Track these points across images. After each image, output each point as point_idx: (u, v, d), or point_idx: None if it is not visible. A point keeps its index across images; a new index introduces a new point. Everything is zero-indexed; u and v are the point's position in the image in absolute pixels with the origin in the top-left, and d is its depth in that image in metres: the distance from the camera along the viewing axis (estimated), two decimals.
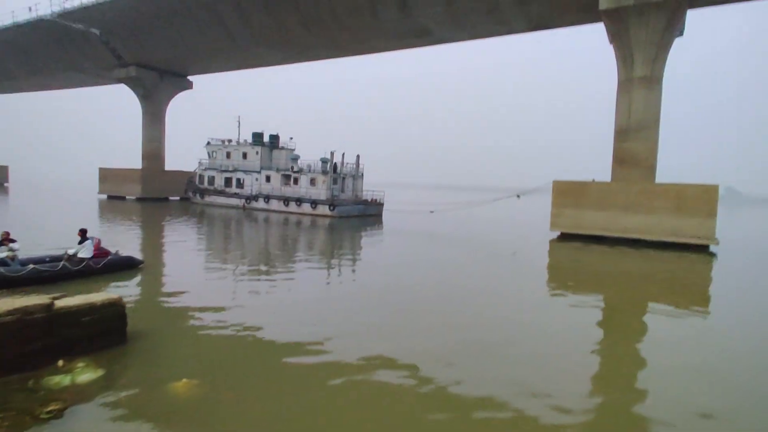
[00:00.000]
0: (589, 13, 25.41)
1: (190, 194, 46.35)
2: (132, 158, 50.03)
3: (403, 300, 11.57)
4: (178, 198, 49.45)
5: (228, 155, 44.41)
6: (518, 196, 33.40)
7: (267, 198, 39.76)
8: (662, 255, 20.66)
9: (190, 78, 50.20)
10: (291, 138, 44.90)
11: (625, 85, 24.73)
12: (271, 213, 37.75)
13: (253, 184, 41.81)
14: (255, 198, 40.64)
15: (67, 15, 39.17)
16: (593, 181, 25.44)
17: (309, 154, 42.48)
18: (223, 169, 44.21)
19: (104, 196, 49.65)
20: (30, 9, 41.38)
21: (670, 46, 24.21)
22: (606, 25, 24.88)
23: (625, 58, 24.54)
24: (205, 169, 45.71)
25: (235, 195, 42.29)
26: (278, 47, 37.57)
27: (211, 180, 44.93)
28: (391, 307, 10.84)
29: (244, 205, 40.84)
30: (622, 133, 24.90)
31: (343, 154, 39.61)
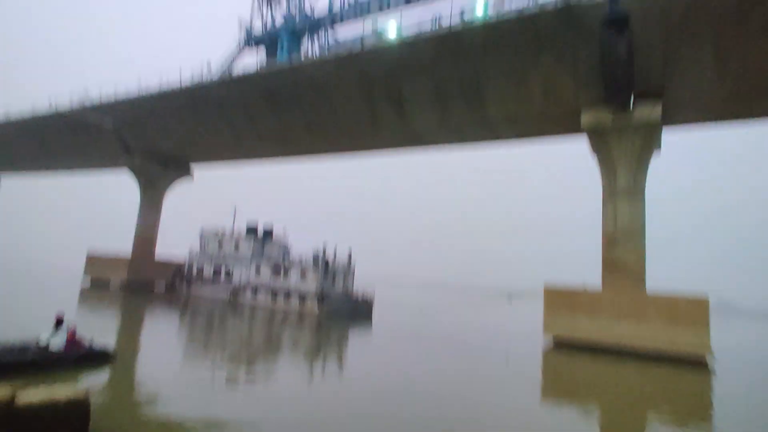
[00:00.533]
0: (574, 126, 27.30)
1: (176, 283, 45.44)
2: (125, 243, 49.76)
3: (390, 413, 10.81)
4: (163, 288, 48.36)
5: (220, 245, 44.44)
6: (509, 298, 33.03)
7: (255, 290, 39.02)
8: (656, 366, 19.95)
9: (192, 168, 51.96)
10: (284, 230, 45.44)
11: (609, 194, 25.84)
12: (257, 307, 36.79)
13: (242, 275, 41.32)
14: (242, 290, 39.87)
15: (84, 110, 41.60)
16: (584, 288, 25.41)
17: (302, 247, 42.69)
18: (213, 259, 43.96)
19: (88, 284, 48.51)
20: (49, 101, 44.03)
21: (649, 161, 25.77)
22: (589, 138, 26.67)
23: (608, 170, 25.95)
24: (195, 259, 45.40)
25: (223, 286, 41.53)
26: (280, 144, 39.60)
27: (200, 270, 44.40)
28: (377, 420, 10.09)
29: (230, 298, 39.92)
30: (610, 241, 25.44)
31: (335, 248, 39.81)
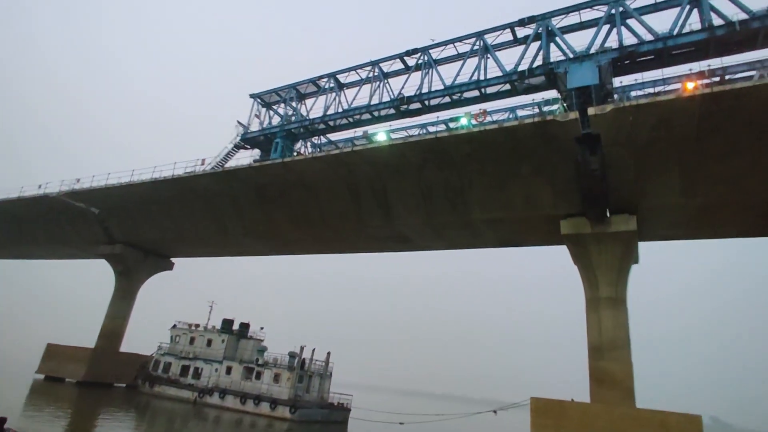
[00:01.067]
0: (554, 235, 28.02)
1: (139, 382, 42.09)
2: (90, 336, 46.86)
3: None
4: (124, 385, 44.68)
5: (191, 341, 42.14)
6: (495, 412, 31.05)
7: (223, 393, 36.14)
8: None
9: (173, 259, 51.14)
10: (262, 328, 43.62)
11: (592, 303, 25.72)
12: (224, 411, 33.85)
13: (211, 375, 38.62)
14: (210, 392, 36.93)
15: (72, 194, 41.88)
16: (572, 401, 24.12)
17: (279, 347, 40.56)
18: (182, 356, 41.34)
19: (42, 376, 44.69)
20: (39, 186, 44.41)
21: (629, 272, 26.14)
22: (569, 248, 27.24)
23: (589, 279, 26.14)
24: (163, 354, 42.65)
25: (190, 386, 38.51)
26: (266, 240, 39.60)
27: (167, 367, 41.49)
28: None
29: (195, 400, 36.82)
30: (595, 351, 24.75)
31: (313, 350, 37.95)
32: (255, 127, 38.91)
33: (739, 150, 21.87)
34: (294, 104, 37.80)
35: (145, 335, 52.16)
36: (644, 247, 28.77)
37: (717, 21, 22.75)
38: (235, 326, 42.59)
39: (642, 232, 26.24)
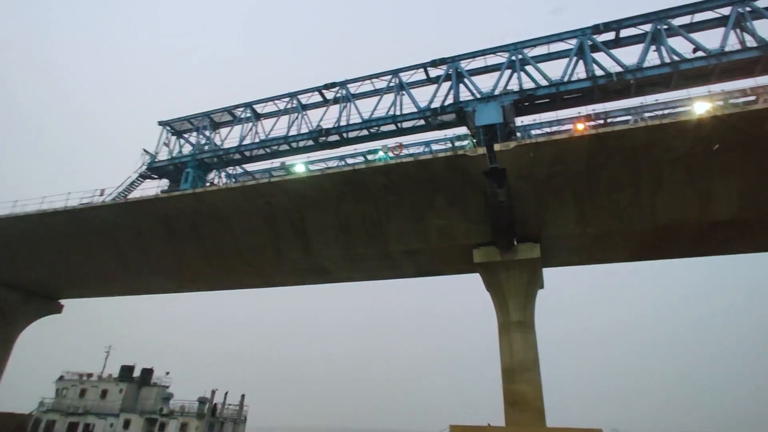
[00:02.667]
0: (469, 263, 29.23)
1: None
2: None
3: None
4: None
5: (82, 393, 37.28)
6: None
7: None
8: None
9: (62, 302, 45.51)
10: (168, 373, 39.86)
11: (504, 327, 26.97)
12: None
13: (105, 431, 34.25)
14: None
15: None
16: (489, 425, 24.73)
17: (190, 393, 37.18)
18: (70, 411, 36.32)
19: None
20: None
21: (535, 297, 27.92)
22: (481, 275, 28.56)
23: (501, 304, 27.49)
24: (46, 411, 37.16)
25: None
26: (174, 276, 36.79)
27: (50, 426, 36.12)
28: None
29: None
30: (508, 374, 25.79)
31: (225, 394, 35.39)
32: (164, 155, 36.71)
33: (621, 185, 24.70)
34: (207, 133, 36.37)
35: (24, 390, 45.21)
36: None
37: (599, 72, 25.98)
38: (137, 373, 38.53)
39: (545, 258, 28.29)
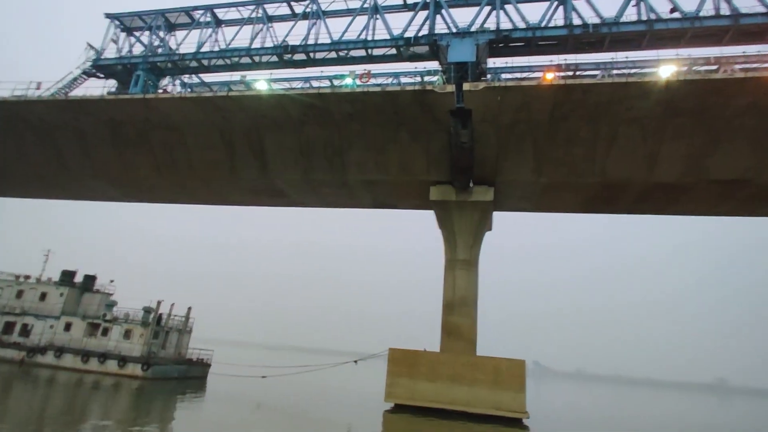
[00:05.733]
0: (424, 200, 29.76)
1: None
2: None
3: None
4: None
5: (19, 294, 36.35)
6: (356, 362, 32.93)
7: (59, 351, 32.21)
8: (480, 429, 21.32)
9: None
10: (112, 281, 39.38)
11: (450, 264, 28.27)
12: (61, 371, 30.31)
13: (45, 332, 34.00)
14: (42, 350, 32.60)
15: None
16: (425, 350, 26.62)
17: (133, 302, 37.06)
18: (6, 311, 35.54)
19: None
20: None
21: (483, 237, 29.17)
22: (435, 213, 29.28)
23: (449, 242, 28.56)
24: None
25: (14, 345, 33.45)
26: (120, 184, 35.16)
27: None
28: None
29: (23, 359, 32.22)
30: (448, 307, 27.46)
31: (172, 305, 35.64)
32: (112, 53, 33.63)
33: (579, 139, 25.37)
34: (161, 34, 33.37)
35: None
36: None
37: (577, 21, 25.58)
38: (79, 279, 37.81)
39: (497, 202, 29.25)
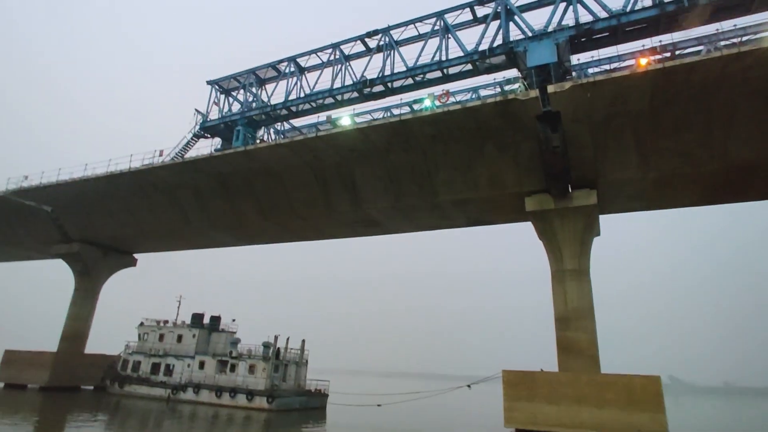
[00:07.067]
0: (520, 212, 28.63)
1: (107, 383, 40.89)
2: (51, 340, 44.94)
3: None
4: (92, 387, 43.32)
5: (161, 338, 41.10)
6: (469, 386, 31.95)
7: (197, 388, 35.61)
8: None
9: (136, 255, 49.42)
10: (234, 320, 42.92)
11: (557, 276, 26.59)
12: (200, 406, 33.41)
13: (184, 371, 37.89)
14: (183, 388, 36.30)
15: (20, 192, 39.59)
16: (542, 371, 25.06)
17: (253, 338, 40.04)
18: (152, 353, 40.33)
19: (1, 385, 42.73)
20: None
21: (591, 244, 27.11)
22: (533, 224, 27.94)
23: (554, 252, 26.96)
24: (132, 353, 41.46)
25: (161, 384, 37.70)
26: (232, 231, 38.73)
27: (136, 366, 40.40)
28: None
29: (169, 397, 36.13)
30: (562, 322, 25.71)
31: (288, 339, 37.78)
32: (214, 115, 37.70)
33: (689, 124, 22.85)
34: (254, 90, 36.78)
35: (110, 335, 50.51)
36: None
37: None
38: (206, 320, 41.81)
39: (603, 205, 27.19)
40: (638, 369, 24.90)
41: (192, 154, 36.49)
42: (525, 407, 23.86)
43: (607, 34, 25.15)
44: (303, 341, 39.48)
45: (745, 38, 23.91)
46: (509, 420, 24.14)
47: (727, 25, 24.12)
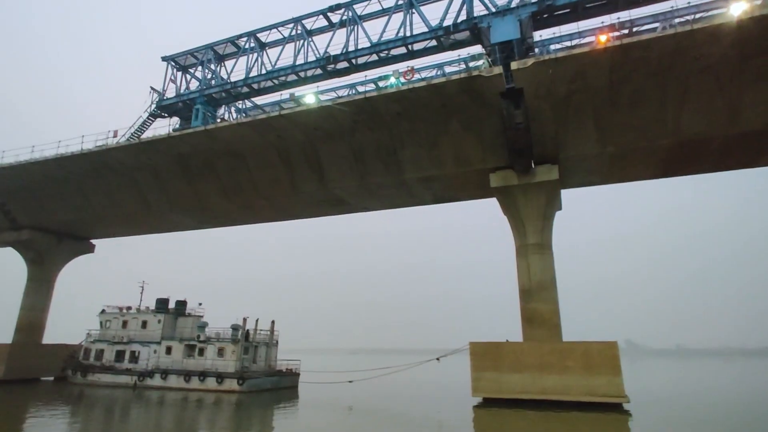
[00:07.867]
0: (485, 189, 29.10)
1: (69, 372, 39.60)
2: (7, 332, 42.93)
3: None
4: (52, 378, 41.91)
5: (124, 324, 39.95)
6: (438, 359, 32.81)
7: (164, 374, 35.01)
8: (581, 417, 20.45)
9: (93, 241, 47.44)
10: (200, 304, 42.10)
11: (521, 250, 27.37)
12: (168, 391, 32.91)
13: (150, 357, 37.10)
14: (150, 374, 35.60)
15: None
16: (507, 341, 25.97)
17: (221, 321, 39.53)
18: (115, 341, 39.22)
19: None
20: None
21: (553, 219, 27.93)
22: (498, 200, 28.51)
23: (518, 227, 27.67)
24: (94, 341, 40.20)
25: (127, 371, 36.83)
26: (194, 213, 37.61)
27: (99, 354, 39.23)
28: None
29: (135, 384, 35.40)
30: (526, 294, 26.60)
31: (257, 320, 37.49)
32: (171, 93, 36.16)
33: (645, 100, 23.61)
34: (213, 66, 35.35)
35: (71, 324, 48.72)
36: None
37: None
38: (171, 305, 40.86)
39: (563, 180, 27.94)
40: (599, 335, 26.17)
41: (149, 134, 35.01)
42: (491, 377, 24.77)
43: (568, 10, 25.44)
44: (273, 322, 39.30)
45: (698, 15, 24.74)
46: (476, 389, 25.05)
47: (681, 2, 24.90)
